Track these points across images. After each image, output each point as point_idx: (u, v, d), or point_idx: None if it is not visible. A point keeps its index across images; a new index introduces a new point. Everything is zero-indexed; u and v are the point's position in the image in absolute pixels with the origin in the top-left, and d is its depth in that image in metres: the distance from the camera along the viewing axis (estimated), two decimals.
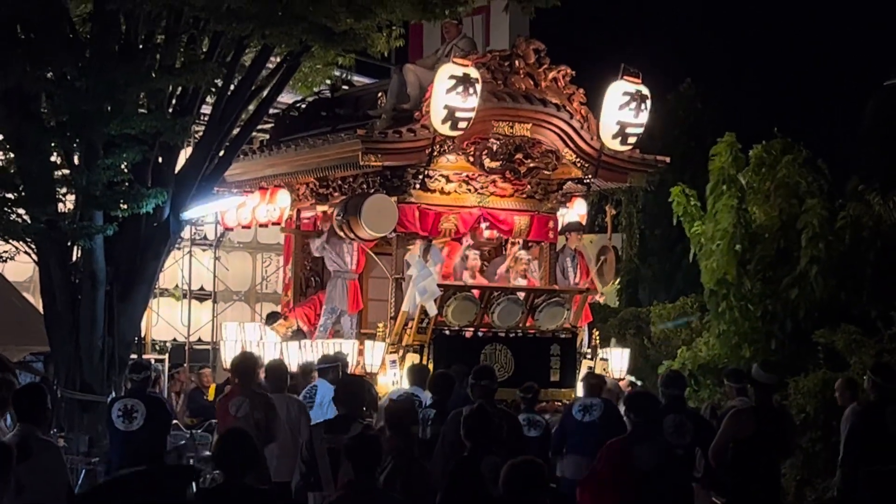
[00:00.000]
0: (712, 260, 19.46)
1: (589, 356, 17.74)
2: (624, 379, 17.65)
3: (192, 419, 18.15)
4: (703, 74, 26.53)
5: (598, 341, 18.16)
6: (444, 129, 15.85)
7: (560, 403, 16.43)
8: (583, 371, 17.02)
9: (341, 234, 16.60)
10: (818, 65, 34.26)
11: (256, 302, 24.11)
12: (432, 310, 16.05)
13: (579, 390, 16.38)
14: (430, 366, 15.72)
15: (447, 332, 16.41)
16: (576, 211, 18.77)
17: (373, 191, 16.62)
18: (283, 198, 18.13)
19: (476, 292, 16.65)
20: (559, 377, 16.93)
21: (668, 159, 18.23)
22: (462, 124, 15.86)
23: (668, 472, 9.89)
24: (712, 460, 10.93)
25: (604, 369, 17.51)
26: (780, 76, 33.91)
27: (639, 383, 18.25)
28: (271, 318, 18.38)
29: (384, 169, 16.49)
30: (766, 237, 19.68)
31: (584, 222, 19.19)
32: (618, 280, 18.60)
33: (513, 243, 18.01)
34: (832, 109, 31.20)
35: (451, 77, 15.65)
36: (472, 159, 16.84)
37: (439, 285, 16.09)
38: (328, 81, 19.04)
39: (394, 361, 16.12)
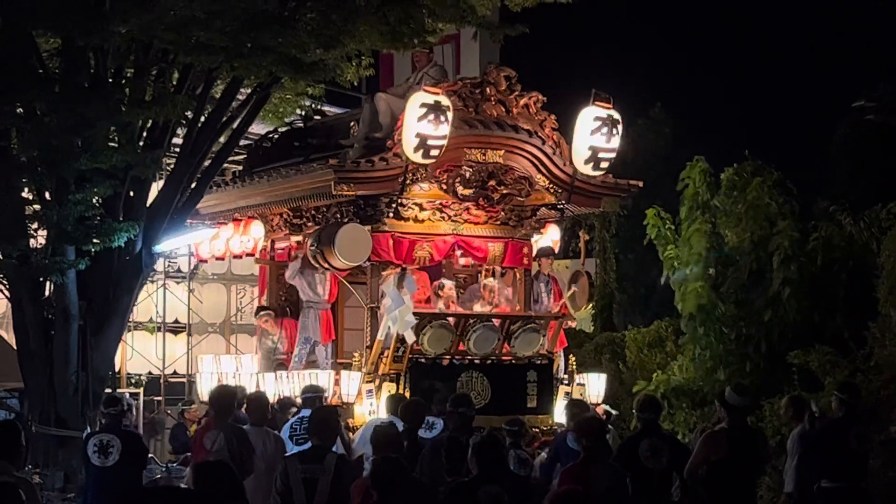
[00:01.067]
0: (691, 285, 19.48)
1: (566, 382, 17.71)
2: (600, 405, 17.64)
3: (174, 455, 18.13)
4: (674, 99, 26.60)
5: (574, 367, 18.16)
6: (417, 158, 15.88)
7: (537, 430, 16.42)
8: (561, 397, 17.00)
9: (315, 263, 16.58)
10: (788, 88, 34.48)
11: (231, 333, 24.08)
12: (410, 338, 16.02)
13: (557, 416, 16.37)
14: (407, 394, 15.70)
15: (423, 361, 16.38)
16: (549, 237, 18.80)
17: (346, 220, 16.62)
18: (257, 229, 18.12)
19: (452, 320, 16.64)
20: (536, 403, 16.88)
21: (640, 183, 18.27)
22: (434, 152, 15.89)
23: (620, 493, 9.96)
24: (687, 481, 10.97)
25: (581, 394, 17.49)
26: (750, 99, 34.09)
27: (614, 412, 18.22)
28: (260, 312, 18.29)
29: (357, 198, 16.48)
30: (739, 260, 19.73)
31: (557, 248, 19.21)
32: (591, 305, 18.55)
33: (486, 271, 18.02)
34: (802, 131, 31.36)
35: (423, 105, 15.68)
36: (445, 187, 16.85)
37: (415, 313, 16.08)
38: (299, 112, 19.07)
39: (370, 391, 16.08)
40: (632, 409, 14.79)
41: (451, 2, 15.42)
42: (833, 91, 30.17)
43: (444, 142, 15.87)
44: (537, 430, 16.42)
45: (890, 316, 17.61)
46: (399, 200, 16.67)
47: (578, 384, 17.75)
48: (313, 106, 19.21)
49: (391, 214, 16.75)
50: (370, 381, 16.16)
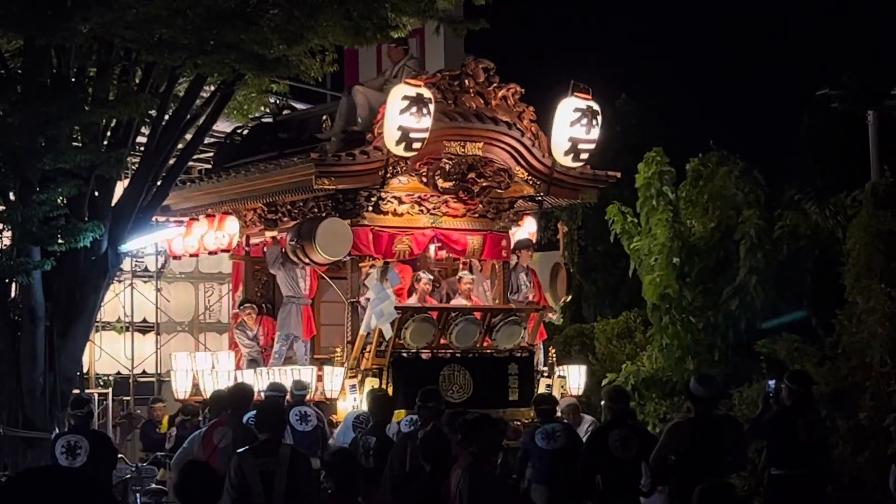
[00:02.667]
0: (654, 275, 19.57)
1: (546, 374, 17.71)
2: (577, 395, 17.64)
3: (145, 453, 18.05)
4: (639, 90, 26.64)
5: (554, 359, 18.15)
6: (399, 151, 15.87)
7: (519, 423, 16.40)
8: (542, 389, 17.00)
9: (295, 258, 16.53)
10: (753, 77, 34.59)
11: (200, 332, 24.00)
12: (388, 332, 16.00)
13: None
14: (390, 389, 15.69)
15: (405, 355, 16.33)
16: (525, 229, 18.77)
17: (325, 214, 16.57)
18: (232, 225, 18.00)
19: (433, 314, 16.62)
20: (518, 396, 16.84)
21: (618, 174, 18.29)
22: (416, 145, 15.89)
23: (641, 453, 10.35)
24: (652, 472, 11.00)
25: (562, 387, 17.50)
26: (715, 89, 34.18)
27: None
28: (244, 303, 18.21)
29: (336, 192, 16.46)
30: (705, 249, 19.81)
31: (534, 239, 19.20)
32: (569, 296, 18.57)
33: (464, 264, 18.02)
34: (768, 121, 31.47)
35: (405, 98, 15.68)
36: (425, 180, 16.83)
37: (396, 308, 16.06)
38: (264, 108, 19.02)
39: (353, 386, 16.02)
40: (601, 400, 14.83)
41: None
42: (798, 80, 30.29)
43: (426, 134, 15.90)
44: (519, 423, 16.39)
45: (857, 303, 17.69)
46: (379, 194, 16.62)
47: (559, 376, 17.76)
48: (278, 102, 19.16)
49: (370, 208, 16.71)
50: (353, 377, 16.11)
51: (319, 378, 16.22)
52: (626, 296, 23.41)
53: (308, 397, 15.19)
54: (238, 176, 17.40)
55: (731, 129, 28.37)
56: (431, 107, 15.82)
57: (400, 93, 15.73)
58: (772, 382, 14.15)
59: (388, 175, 16.31)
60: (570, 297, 18.67)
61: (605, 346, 21.94)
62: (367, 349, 16.21)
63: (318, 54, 16.82)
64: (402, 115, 15.70)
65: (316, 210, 16.91)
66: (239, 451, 9.92)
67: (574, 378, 17.97)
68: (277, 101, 19.16)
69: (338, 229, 16.16)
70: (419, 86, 15.85)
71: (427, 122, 15.81)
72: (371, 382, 15.92)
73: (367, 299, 16.31)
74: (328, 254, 16.07)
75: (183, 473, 8.36)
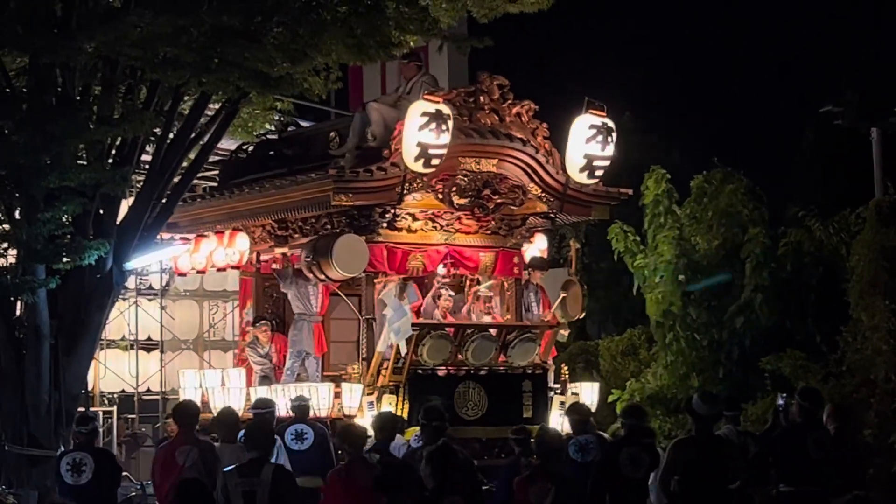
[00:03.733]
0: (657, 291, 19.58)
1: (559, 391, 17.66)
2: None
3: None
4: (643, 108, 26.69)
5: (566, 376, 18.10)
6: (417, 167, 15.79)
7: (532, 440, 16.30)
8: (555, 406, 16.97)
9: (310, 275, 16.47)
10: (756, 95, 34.62)
11: (204, 350, 24.01)
12: (403, 349, 15.94)
13: (555, 425, 16.22)
14: (406, 406, 15.66)
15: (421, 372, 16.26)
16: (536, 246, 18.69)
17: (339, 231, 16.47)
18: (243, 241, 17.88)
19: (450, 330, 16.57)
20: (532, 413, 16.73)
21: (630, 191, 18.27)
22: (435, 161, 15.81)
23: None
24: (661, 492, 10.97)
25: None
26: (719, 106, 34.21)
27: None
28: (258, 321, 18.17)
29: (350, 209, 16.38)
30: (709, 266, 19.82)
31: (545, 256, 19.15)
32: (583, 313, 18.48)
33: (471, 280, 17.99)
34: (771, 138, 31.49)
35: (424, 114, 15.60)
36: (441, 196, 16.76)
37: (413, 324, 16.00)
38: (269, 126, 19.04)
39: (371, 403, 15.93)
40: (606, 417, 14.90)
41: (416, 14, 15.40)
42: (801, 97, 30.34)
43: (445, 150, 15.81)
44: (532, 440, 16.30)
45: (861, 320, 17.70)
46: (393, 211, 16.58)
47: (573, 393, 17.69)
48: (282, 120, 19.18)
49: (385, 225, 16.66)
50: (370, 394, 16.06)
51: (337, 395, 16.16)
52: (630, 313, 23.46)
53: (312, 414, 15.15)
54: (251, 192, 17.30)
55: (734, 145, 28.38)
56: (450, 123, 15.75)
57: (419, 109, 15.65)
58: (782, 398, 14.14)
59: (405, 191, 16.25)
60: (583, 315, 18.57)
61: (610, 363, 21.95)
62: (385, 366, 16.15)
63: (322, 72, 16.86)
64: (422, 132, 15.62)
65: (329, 227, 16.85)
66: (225, 469, 9.88)
67: (587, 395, 17.86)
68: (282, 119, 19.18)
69: (354, 246, 16.09)
70: (438, 102, 15.77)
71: (446, 138, 15.74)
72: (388, 400, 15.88)
73: (384, 315, 16.26)
74: (345, 270, 16.00)
75: (177, 491, 8.38)
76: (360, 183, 15.97)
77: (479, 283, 17.89)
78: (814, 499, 11.79)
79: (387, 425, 12.41)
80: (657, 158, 21.10)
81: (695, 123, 32.98)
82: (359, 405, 16.00)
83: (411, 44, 16.19)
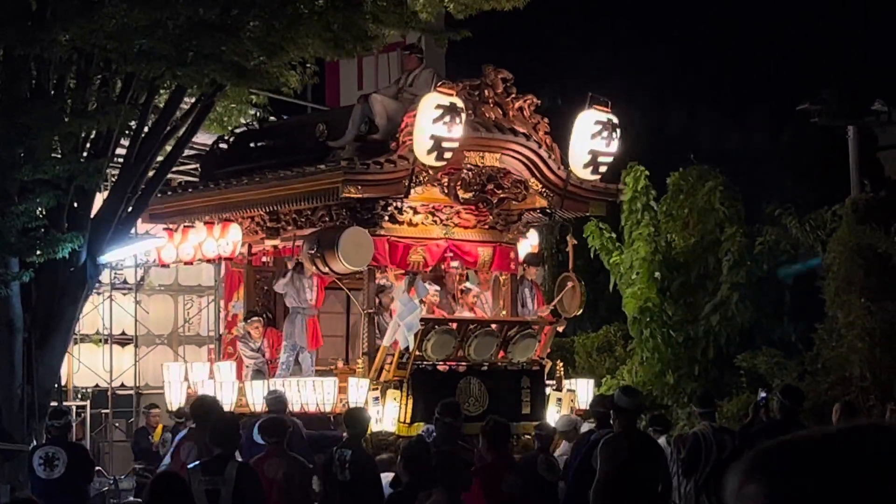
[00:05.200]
0: (634, 288, 19.59)
1: (555, 388, 17.62)
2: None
3: (138, 462, 17.91)
4: (617, 104, 26.74)
5: (561, 372, 18.07)
6: (430, 160, 15.60)
7: (530, 436, 16.25)
8: (552, 403, 16.96)
9: (313, 268, 16.34)
10: (732, 91, 34.65)
11: (179, 345, 23.91)
12: (410, 343, 15.79)
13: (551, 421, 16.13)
14: (410, 402, 15.62)
15: (424, 367, 16.18)
16: (528, 242, 18.68)
17: (339, 223, 16.33)
18: (235, 232, 17.60)
19: (454, 325, 16.51)
20: (530, 410, 16.67)
21: (623, 187, 18.22)
22: (447, 154, 15.61)
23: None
24: (597, 492, 10.85)
25: (571, 400, 17.39)
26: (695, 103, 34.22)
27: None
28: (249, 316, 17.97)
29: (352, 201, 16.18)
30: (685, 263, 19.84)
31: (536, 252, 19.11)
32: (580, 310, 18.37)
33: (460, 275, 17.96)
34: (747, 136, 31.52)
35: (438, 107, 15.40)
36: (446, 191, 16.65)
37: (421, 319, 15.86)
38: (243, 121, 18.96)
39: (376, 398, 15.78)
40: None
41: (393, 8, 15.35)
42: (777, 95, 30.36)
43: (457, 144, 15.64)
44: (530, 436, 16.26)
45: (836, 317, 17.74)
46: (401, 204, 16.45)
47: (569, 390, 17.66)
48: (258, 115, 19.10)
49: (386, 218, 16.56)
50: (374, 389, 15.94)
51: (341, 390, 16.08)
52: (606, 310, 23.46)
53: (289, 410, 15.08)
54: (248, 182, 17.10)
55: (711, 142, 28.40)
56: (464, 115, 15.55)
57: (433, 101, 15.43)
58: (764, 392, 14.19)
59: (412, 185, 16.16)
60: (581, 311, 18.46)
61: (586, 359, 21.94)
62: (389, 361, 16.09)
63: (298, 66, 16.79)
64: (436, 125, 15.39)
65: (327, 219, 16.66)
66: (190, 466, 9.83)
67: (583, 392, 17.84)
68: (258, 114, 19.09)
69: (360, 238, 15.93)
70: (452, 94, 15.55)
71: (459, 131, 15.52)
72: (393, 395, 15.79)
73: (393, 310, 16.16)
74: (350, 263, 15.83)
75: (152, 485, 8.35)
76: (370, 175, 15.80)
77: (468, 279, 17.86)
78: None
79: (359, 420, 12.38)
80: (632, 155, 21.06)
81: (674, 120, 33.01)
82: (364, 400, 15.86)
83: (388, 38, 16.10)
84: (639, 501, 8.67)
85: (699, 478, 12.79)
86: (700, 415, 13.65)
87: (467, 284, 17.73)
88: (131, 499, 15.20)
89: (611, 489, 10.63)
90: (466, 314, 17.43)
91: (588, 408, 12.34)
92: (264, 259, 17.81)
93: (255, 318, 17.78)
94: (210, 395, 14.56)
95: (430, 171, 16.16)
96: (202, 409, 12.07)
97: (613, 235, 20.16)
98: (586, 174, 16.89)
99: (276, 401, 14.52)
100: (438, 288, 17.55)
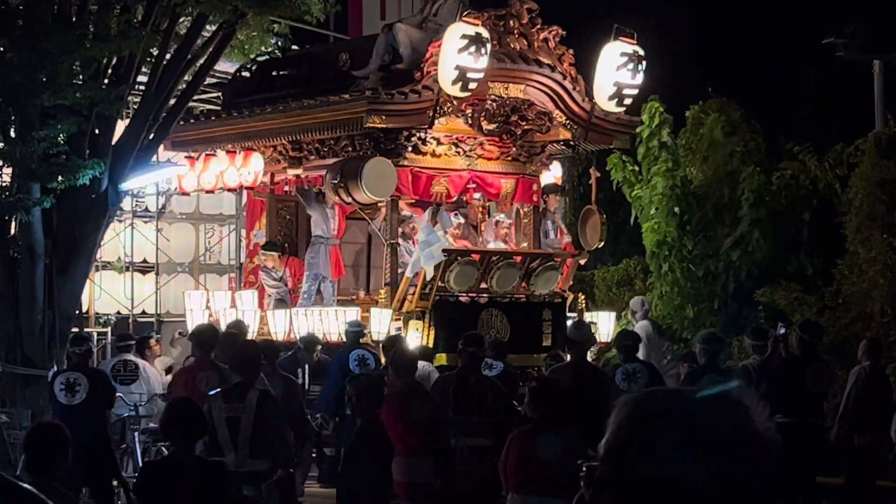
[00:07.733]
0: (653, 222, 19.54)
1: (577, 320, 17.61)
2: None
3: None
4: (638, 38, 26.53)
5: (583, 305, 18.06)
6: (455, 91, 15.50)
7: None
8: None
9: (335, 197, 16.30)
10: (756, 27, 34.37)
11: (200, 273, 23.95)
12: (430, 274, 15.83)
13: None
14: (432, 332, 15.65)
15: (447, 298, 16.24)
16: (551, 173, 18.60)
17: (362, 153, 16.29)
18: (257, 161, 17.51)
19: (476, 256, 16.49)
20: (551, 342, 16.68)
21: (644, 119, 18.16)
22: (472, 85, 15.50)
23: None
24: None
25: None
26: (716, 37, 33.96)
27: None
28: (267, 247, 17.97)
29: (375, 131, 16.13)
30: (704, 196, 19.78)
31: (559, 184, 19.05)
32: (601, 242, 18.30)
33: (483, 207, 17.93)
34: (771, 72, 31.32)
35: (463, 37, 15.28)
36: (470, 122, 16.59)
37: (443, 250, 15.86)
38: (265, 49, 18.89)
39: (399, 329, 15.81)
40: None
41: None
42: (802, 32, 30.08)
43: (482, 74, 15.53)
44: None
45: (858, 253, 17.68)
46: (425, 134, 16.40)
47: (591, 322, 17.63)
48: (279, 44, 19.01)
49: (410, 149, 16.50)
50: (397, 319, 15.98)
51: (365, 320, 16.09)
52: (626, 244, 23.40)
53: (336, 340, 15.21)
54: (272, 111, 17.00)
55: (733, 78, 28.21)
56: (489, 46, 15.43)
57: (458, 31, 15.30)
58: (783, 327, 14.22)
59: (436, 115, 16.05)
60: (602, 244, 18.40)
61: (605, 293, 21.93)
62: (412, 292, 16.08)
63: None
64: (461, 55, 15.26)
65: (350, 149, 16.63)
66: (211, 393, 9.85)
67: (604, 324, 17.82)
68: (280, 43, 19.00)
69: (384, 169, 15.89)
70: (478, 24, 15.40)
71: (484, 62, 15.41)
72: (415, 325, 15.83)
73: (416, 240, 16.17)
74: (374, 193, 15.81)
75: (169, 410, 8.39)
76: (395, 105, 15.74)
77: (489, 212, 17.85)
78: (809, 431, 11.85)
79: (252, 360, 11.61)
80: (653, 88, 20.90)
81: (694, 54, 32.76)
82: (387, 330, 15.88)
83: None
84: (578, 425, 8.80)
85: None
86: (752, 347, 13.93)
87: (501, 216, 17.69)
88: (151, 425, 15.24)
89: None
90: (500, 245, 17.41)
91: (610, 340, 12.60)
92: (286, 188, 17.78)
93: (270, 252, 17.70)
94: (210, 324, 14.59)
95: (455, 102, 16.08)
96: (206, 336, 12.13)
97: (636, 168, 20.07)
98: (611, 106, 16.80)
99: (355, 333, 14.86)
100: (462, 220, 17.54)
